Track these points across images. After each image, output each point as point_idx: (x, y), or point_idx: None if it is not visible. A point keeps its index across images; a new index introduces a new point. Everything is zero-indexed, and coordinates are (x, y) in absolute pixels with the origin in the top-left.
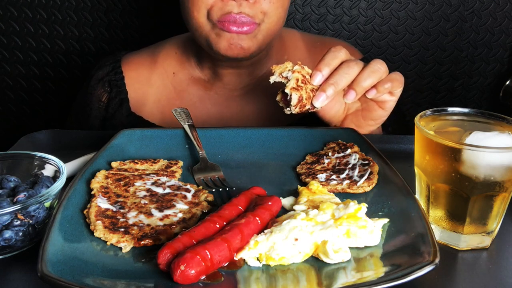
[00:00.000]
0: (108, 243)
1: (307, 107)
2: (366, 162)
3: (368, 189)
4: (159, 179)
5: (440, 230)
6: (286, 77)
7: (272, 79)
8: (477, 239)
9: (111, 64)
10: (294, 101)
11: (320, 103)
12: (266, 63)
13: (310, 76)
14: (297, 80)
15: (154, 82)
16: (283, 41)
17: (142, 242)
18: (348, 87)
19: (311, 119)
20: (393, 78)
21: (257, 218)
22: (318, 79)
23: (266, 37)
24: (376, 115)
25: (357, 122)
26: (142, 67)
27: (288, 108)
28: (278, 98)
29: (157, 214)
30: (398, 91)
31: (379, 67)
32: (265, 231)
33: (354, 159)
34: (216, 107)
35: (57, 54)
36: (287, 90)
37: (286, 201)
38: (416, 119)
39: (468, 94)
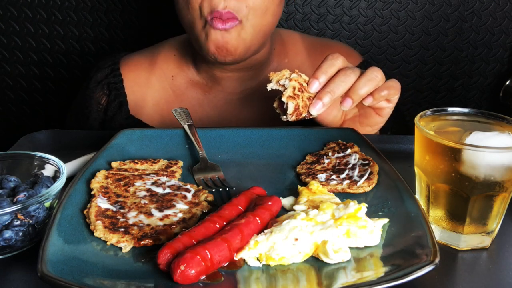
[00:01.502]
0: (108, 243)
1: (303, 115)
2: (366, 162)
3: (368, 189)
4: (159, 179)
5: (440, 230)
6: (283, 85)
7: (269, 87)
8: (477, 239)
9: (109, 67)
10: (290, 109)
11: (316, 111)
12: (266, 67)
13: (307, 83)
14: (294, 88)
15: (153, 84)
16: (284, 45)
17: (142, 242)
18: (345, 95)
19: (310, 120)
20: (389, 85)
21: (257, 218)
22: (315, 87)
23: (254, 35)
24: (373, 122)
25: (354, 128)
26: (140, 68)
27: (284, 116)
28: (275, 105)
29: (157, 214)
30: (395, 98)
31: (375, 75)
32: (265, 231)
33: (354, 159)
34: (215, 111)
35: (57, 54)
36: (283, 99)
37: (286, 201)
38: (416, 119)
39: (468, 94)
